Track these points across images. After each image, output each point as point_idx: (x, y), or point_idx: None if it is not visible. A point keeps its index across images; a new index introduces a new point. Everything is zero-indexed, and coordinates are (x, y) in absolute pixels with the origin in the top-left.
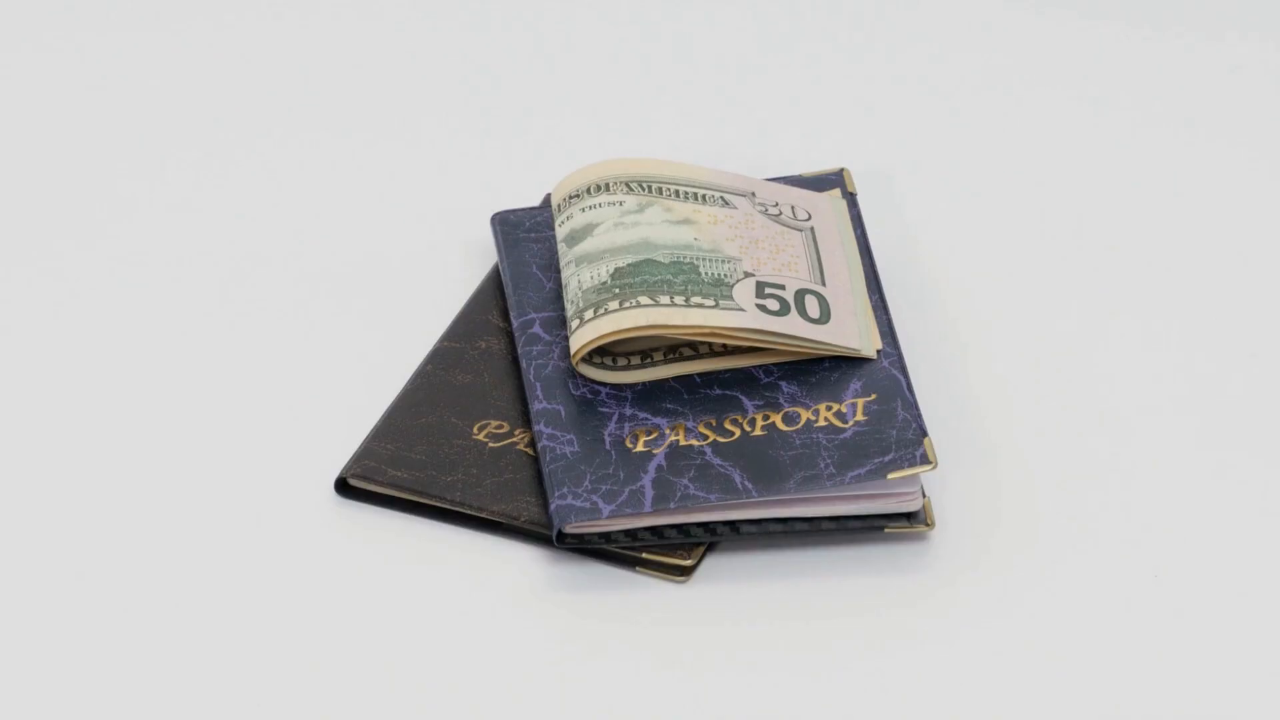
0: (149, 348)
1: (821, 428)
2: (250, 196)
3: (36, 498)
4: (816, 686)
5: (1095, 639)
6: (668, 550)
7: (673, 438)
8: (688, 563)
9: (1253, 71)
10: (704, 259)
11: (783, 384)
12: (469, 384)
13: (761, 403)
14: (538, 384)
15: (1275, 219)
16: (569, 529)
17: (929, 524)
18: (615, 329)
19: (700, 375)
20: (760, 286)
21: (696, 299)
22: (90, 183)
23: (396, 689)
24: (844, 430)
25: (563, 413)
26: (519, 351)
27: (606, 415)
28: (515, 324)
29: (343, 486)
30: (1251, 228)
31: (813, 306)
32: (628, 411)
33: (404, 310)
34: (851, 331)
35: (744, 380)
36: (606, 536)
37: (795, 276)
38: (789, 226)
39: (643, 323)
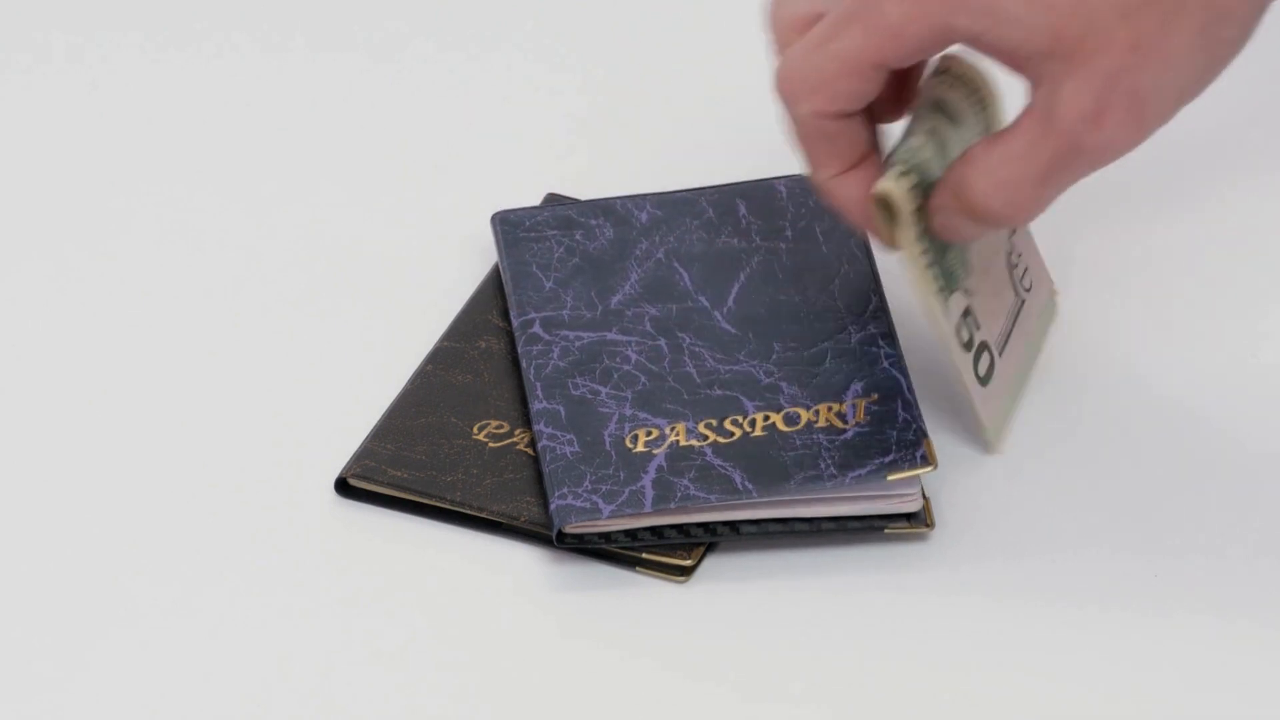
0: (148, 348)
1: (822, 428)
2: (250, 196)
3: (35, 498)
4: (816, 687)
5: (1095, 639)
6: (668, 550)
7: (673, 438)
8: (688, 563)
9: (1257, 68)
10: (967, 246)
11: (783, 384)
12: (469, 384)
13: (762, 403)
14: (538, 384)
15: (1275, 219)
16: (569, 529)
17: (929, 524)
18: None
19: (701, 375)
20: (967, 311)
21: (944, 279)
22: (91, 183)
23: (396, 689)
24: (844, 431)
25: (563, 413)
26: (519, 351)
27: (606, 415)
28: (515, 324)
29: (343, 486)
30: (1253, 228)
31: (984, 364)
32: (628, 412)
33: (404, 310)
34: (994, 412)
35: (744, 381)
36: (606, 536)
37: (989, 328)
38: (1012, 284)
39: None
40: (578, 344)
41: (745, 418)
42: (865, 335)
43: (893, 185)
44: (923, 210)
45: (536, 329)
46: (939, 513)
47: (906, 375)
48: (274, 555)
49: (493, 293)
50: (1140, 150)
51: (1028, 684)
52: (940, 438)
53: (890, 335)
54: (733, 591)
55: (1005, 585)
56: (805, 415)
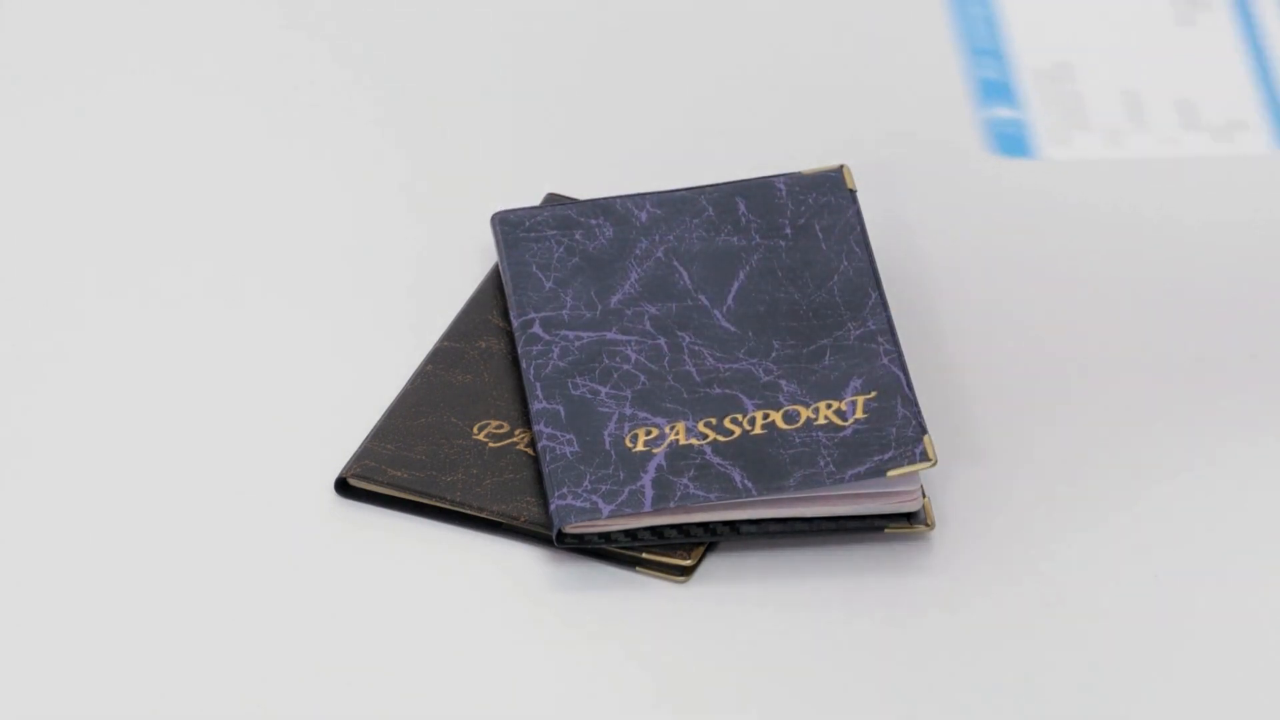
0: (148, 348)
1: (821, 426)
2: (250, 195)
3: (36, 498)
4: (816, 687)
5: (1094, 640)
6: (668, 550)
7: (672, 437)
8: (688, 563)
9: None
10: None
11: (783, 383)
12: (469, 384)
13: (761, 401)
14: (538, 384)
15: (1274, 219)
16: (569, 529)
17: (929, 524)
18: None
19: (700, 374)
20: None
21: None
22: (91, 184)
23: (396, 689)
24: (844, 428)
25: (562, 413)
26: (519, 351)
27: (606, 415)
28: (515, 324)
29: (343, 486)
30: (1252, 229)
31: None
32: (627, 411)
33: (404, 310)
34: None
35: (744, 379)
36: (606, 536)
37: None
38: None
39: None
40: (577, 344)
41: (745, 416)
42: (864, 332)
43: None
44: None
45: (536, 329)
46: (939, 513)
47: (906, 371)
48: (274, 555)
49: (493, 293)
50: None
51: (1029, 683)
52: (941, 437)
53: (890, 331)
54: (733, 591)
55: (1005, 585)
56: (805, 413)
